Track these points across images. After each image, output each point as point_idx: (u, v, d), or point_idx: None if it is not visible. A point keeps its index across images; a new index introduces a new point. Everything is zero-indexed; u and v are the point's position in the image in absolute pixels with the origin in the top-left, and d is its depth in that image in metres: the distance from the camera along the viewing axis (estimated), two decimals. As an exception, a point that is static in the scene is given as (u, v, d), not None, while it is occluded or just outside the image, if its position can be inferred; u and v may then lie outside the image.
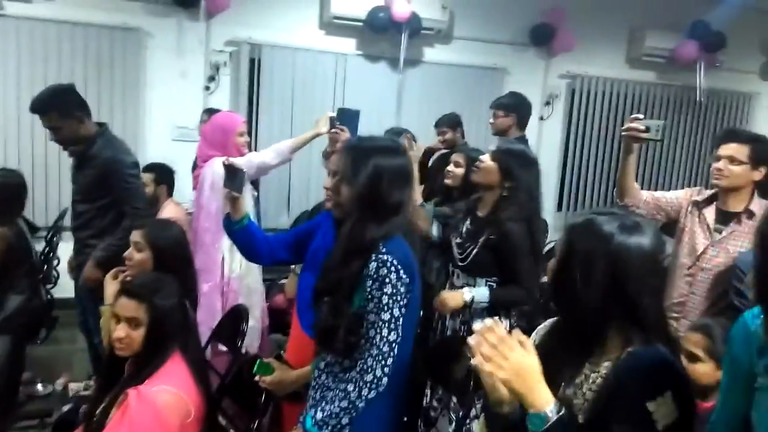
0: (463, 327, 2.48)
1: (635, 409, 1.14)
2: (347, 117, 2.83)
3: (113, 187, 2.90)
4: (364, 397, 1.65)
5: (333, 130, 2.79)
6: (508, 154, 2.50)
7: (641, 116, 2.52)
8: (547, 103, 5.93)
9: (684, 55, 5.78)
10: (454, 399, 2.13)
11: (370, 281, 1.66)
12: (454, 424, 2.07)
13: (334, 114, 2.88)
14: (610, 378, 1.20)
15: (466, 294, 2.42)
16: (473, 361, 1.14)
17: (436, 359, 2.22)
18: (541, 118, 5.92)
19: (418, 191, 2.83)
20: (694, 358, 1.96)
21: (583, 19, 5.69)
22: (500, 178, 2.46)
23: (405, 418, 2.01)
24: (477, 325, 1.17)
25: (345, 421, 1.66)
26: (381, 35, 5.26)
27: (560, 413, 1.11)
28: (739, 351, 1.05)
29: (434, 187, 3.46)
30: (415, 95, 5.52)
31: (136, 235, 2.28)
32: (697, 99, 6.03)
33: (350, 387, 1.66)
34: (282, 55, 5.20)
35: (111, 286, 2.22)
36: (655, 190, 2.88)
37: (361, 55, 5.43)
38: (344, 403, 1.65)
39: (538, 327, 1.41)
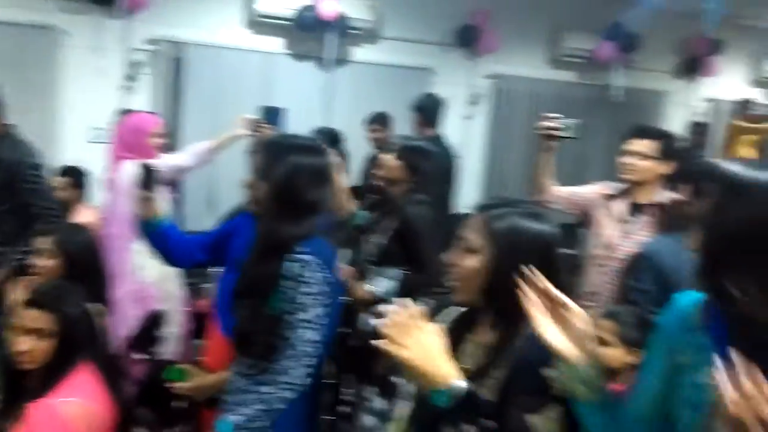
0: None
1: (533, 377, 1.20)
2: (272, 115, 2.82)
3: (18, 190, 2.78)
4: (284, 399, 1.63)
5: (256, 129, 2.76)
6: (410, 150, 2.59)
7: (555, 115, 2.62)
8: (473, 103, 6.04)
9: (602, 56, 6.01)
10: (374, 393, 2.14)
11: (290, 281, 1.65)
12: (377, 417, 2.09)
13: (256, 115, 2.86)
14: (516, 353, 1.25)
15: (370, 288, 2.47)
16: (377, 343, 1.16)
17: (358, 355, 2.23)
18: (467, 118, 6.02)
19: (346, 199, 2.84)
20: (604, 343, 2.04)
21: (507, 20, 5.81)
22: (405, 173, 2.54)
23: (322, 417, 2.00)
24: (382, 308, 1.19)
25: (265, 423, 1.64)
26: (309, 34, 5.23)
27: (468, 389, 1.14)
28: (669, 330, 1.09)
29: (367, 189, 3.47)
30: (344, 95, 5.51)
31: (44, 242, 2.18)
32: (614, 98, 6.27)
33: (271, 389, 1.64)
34: (206, 54, 5.09)
35: (16, 296, 2.12)
36: (575, 185, 2.98)
37: (289, 55, 5.39)
38: (264, 406, 1.63)
39: (443, 314, 1.43)
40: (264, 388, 1.64)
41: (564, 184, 2.90)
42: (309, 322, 1.63)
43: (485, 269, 1.28)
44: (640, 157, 2.63)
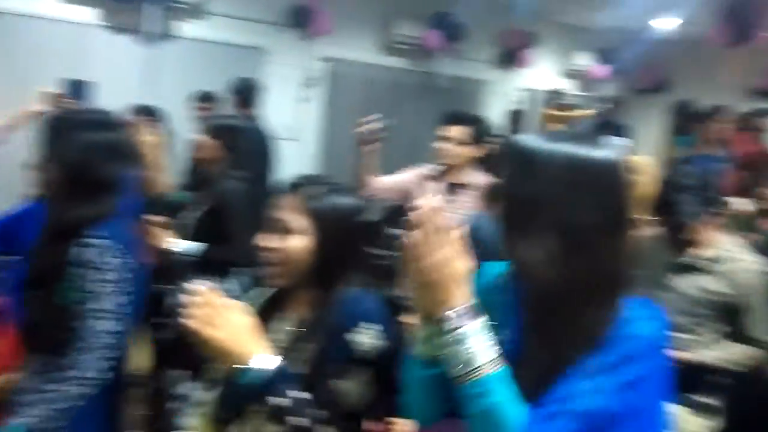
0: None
1: (342, 343, 1.22)
2: (77, 90, 2.62)
3: None
4: (81, 396, 1.52)
5: (59, 104, 2.55)
6: (223, 128, 2.57)
7: (371, 118, 2.77)
8: (308, 86, 6.02)
9: (429, 44, 6.26)
10: (188, 378, 2.08)
11: (84, 268, 1.52)
12: (189, 402, 2.03)
13: (59, 89, 2.63)
14: (327, 324, 1.26)
15: (174, 242, 2.40)
16: (183, 323, 1.11)
17: (175, 345, 2.14)
18: (302, 101, 5.99)
19: (163, 178, 2.74)
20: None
21: (340, 3, 5.84)
22: (220, 152, 2.51)
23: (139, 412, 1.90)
24: (187, 287, 1.15)
25: (60, 423, 1.51)
26: (127, 6, 4.89)
27: (279, 364, 1.13)
28: (479, 291, 1.13)
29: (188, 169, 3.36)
30: (170, 72, 5.22)
31: None
32: (440, 85, 6.57)
33: (66, 386, 1.51)
34: (12, 23, 4.59)
35: None
36: (405, 168, 3.10)
37: (106, 27, 4.99)
38: (59, 405, 1.51)
39: (251, 294, 1.41)
40: (58, 386, 1.51)
41: (396, 167, 3.02)
42: (107, 311, 1.52)
43: (310, 250, 1.27)
44: (454, 142, 2.81)
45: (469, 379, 0.94)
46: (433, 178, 2.91)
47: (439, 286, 0.97)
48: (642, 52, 7.10)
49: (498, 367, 0.95)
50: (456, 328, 0.96)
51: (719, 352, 2.09)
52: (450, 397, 1.03)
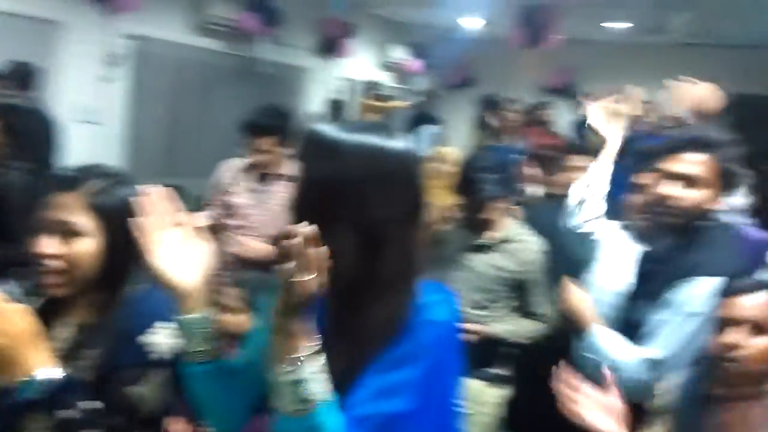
0: None
1: (132, 347, 1.16)
2: None
3: None
4: None
5: None
6: (3, 109, 2.32)
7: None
8: (110, 64, 5.55)
9: (245, 27, 6.07)
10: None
11: None
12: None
13: None
14: (113, 328, 1.19)
15: None
16: None
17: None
18: (104, 80, 5.51)
19: None
20: (228, 309, 2.06)
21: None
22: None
23: None
24: None
25: None
26: None
27: (62, 374, 1.04)
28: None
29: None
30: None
31: None
32: (259, 71, 6.44)
33: None
34: None
35: None
36: (221, 158, 2.99)
37: None
38: None
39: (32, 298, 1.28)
40: None
41: (212, 153, 2.89)
42: None
43: (98, 252, 1.17)
44: (264, 152, 2.74)
45: (302, 414, 0.90)
46: (245, 169, 2.84)
47: (298, 308, 0.92)
48: (452, 49, 7.56)
49: (329, 397, 0.92)
50: (300, 369, 0.91)
51: (509, 326, 2.29)
52: (248, 401, 1.00)
